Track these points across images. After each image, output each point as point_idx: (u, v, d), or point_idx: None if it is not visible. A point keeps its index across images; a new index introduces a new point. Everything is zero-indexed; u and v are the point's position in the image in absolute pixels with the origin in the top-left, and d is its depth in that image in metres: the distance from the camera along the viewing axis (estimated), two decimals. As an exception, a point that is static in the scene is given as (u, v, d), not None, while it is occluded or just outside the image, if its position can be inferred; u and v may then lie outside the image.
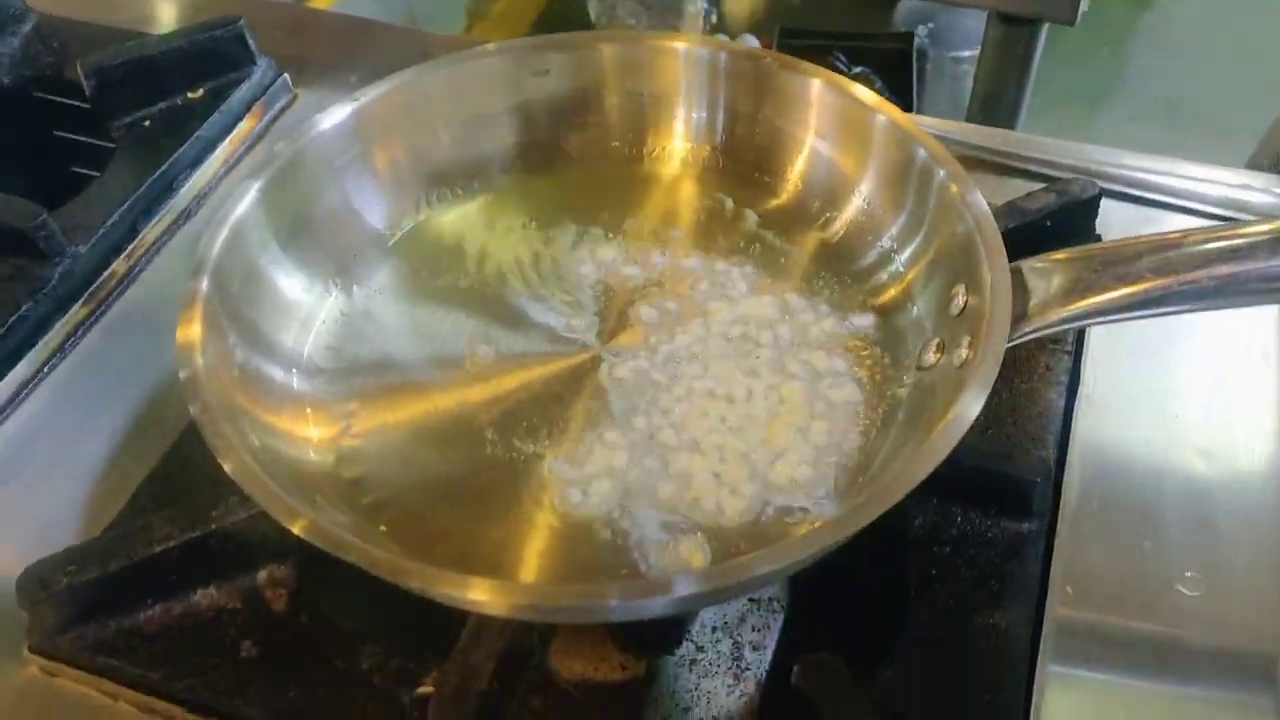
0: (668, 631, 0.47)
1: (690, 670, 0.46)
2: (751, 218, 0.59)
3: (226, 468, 0.41)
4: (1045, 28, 0.87)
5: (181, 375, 0.44)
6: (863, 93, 0.55)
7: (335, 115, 0.54)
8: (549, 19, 2.06)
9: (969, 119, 0.95)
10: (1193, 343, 0.57)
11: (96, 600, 0.48)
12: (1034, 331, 0.45)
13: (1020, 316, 0.45)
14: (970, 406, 0.41)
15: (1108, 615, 0.47)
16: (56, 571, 0.47)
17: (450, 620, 0.43)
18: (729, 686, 0.46)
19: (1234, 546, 0.49)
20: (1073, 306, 0.45)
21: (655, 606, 0.42)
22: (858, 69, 1.54)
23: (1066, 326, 0.46)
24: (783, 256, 0.57)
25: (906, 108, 1.52)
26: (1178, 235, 0.45)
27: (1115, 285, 0.44)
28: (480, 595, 0.38)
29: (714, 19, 1.83)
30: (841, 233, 0.57)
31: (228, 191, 0.59)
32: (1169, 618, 0.47)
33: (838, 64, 1.54)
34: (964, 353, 0.46)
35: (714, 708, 0.45)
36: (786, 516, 0.47)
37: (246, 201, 0.50)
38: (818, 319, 0.54)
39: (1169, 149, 0.66)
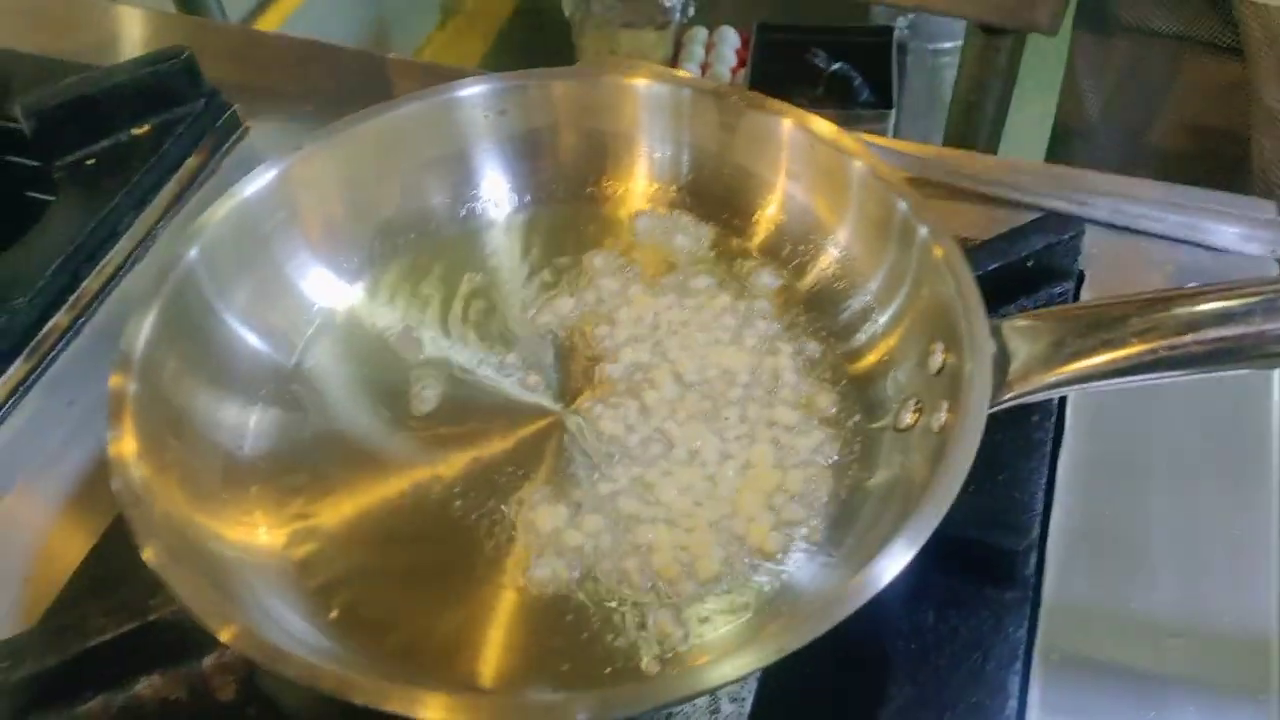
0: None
1: None
2: (721, 264, 0.56)
3: (152, 567, 0.39)
4: (1027, 37, 0.85)
5: (112, 471, 0.42)
6: (837, 135, 0.52)
7: (258, 181, 0.51)
8: (524, 13, 2.03)
9: (948, 129, 0.92)
10: (1182, 392, 0.54)
11: (33, 697, 0.45)
12: (1016, 398, 0.43)
13: (1000, 383, 0.43)
14: (949, 486, 0.39)
15: (1097, 683, 0.46)
16: (-12, 668, 0.45)
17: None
18: None
19: (1222, 600, 0.48)
20: (1056, 373, 0.43)
21: (622, 714, 0.40)
22: (836, 64, 1.53)
23: (1050, 393, 0.43)
24: (755, 307, 0.54)
25: (886, 104, 1.50)
26: (1166, 295, 0.43)
27: (1100, 350, 0.42)
28: (433, 715, 0.36)
29: (691, 10, 1.81)
30: (817, 284, 0.54)
31: (163, 248, 0.56)
32: (1157, 678, 0.46)
33: (816, 60, 1.53)
34: (943, 416, 0.44)
35: (691, 762, 0.43)
36: (765, 581, 0.45)
37: (170, 282, 0.47)
38: (791, 377, 0.52)
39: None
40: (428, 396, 0.52)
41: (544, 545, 0.46)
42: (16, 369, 0.58)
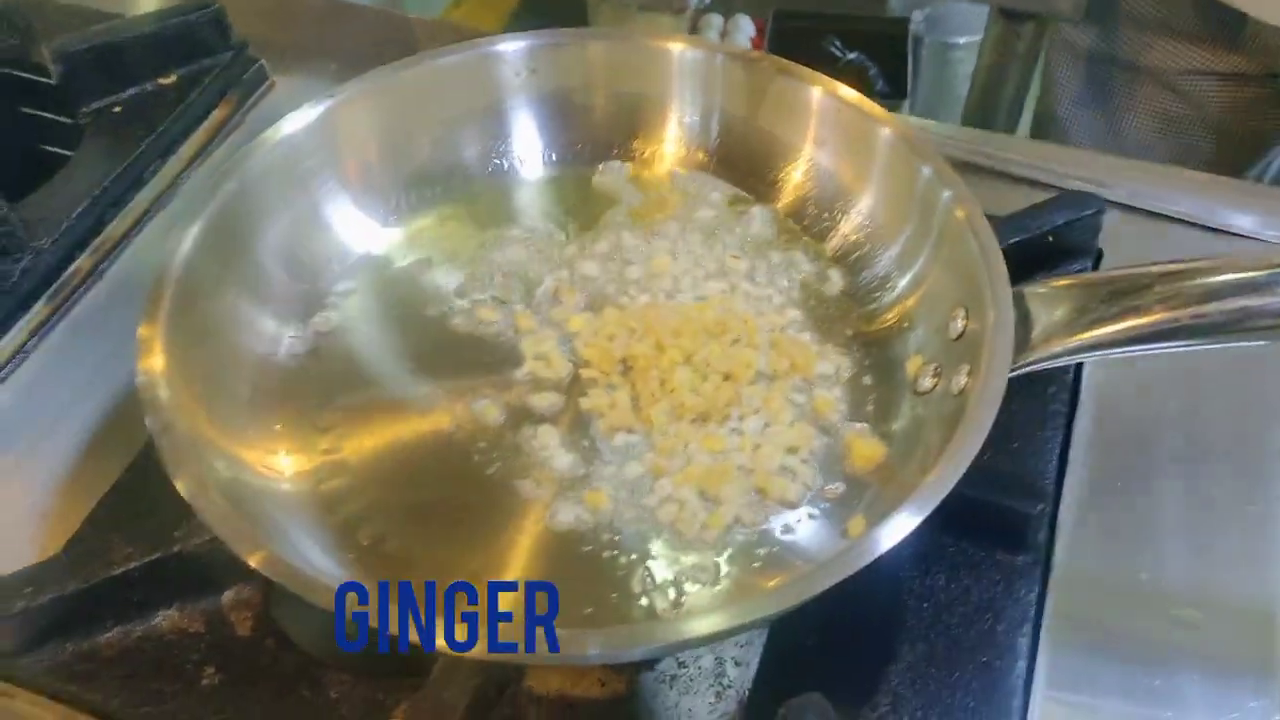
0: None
1: (671, 687, 0.45)
2: (746, 229, 0.57)
3: (183, 493, 0.40)
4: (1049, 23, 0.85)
5: (143, 400, 0.42)
6: (865, 103, 0.52)
7: (302, 119, 0.52)
8: (540, -7, 2.03)
9: (965, 115, 0.93)
10: (1197, 368, 0.55)
11: (53, 623, 0.46)
12: (1036, 363, 0.44)
13: (1022, 346, 0.44)
14: (968, 448, 0.40)
15: (1104, 650, 0.46)
16: (12, 593, 0.45)
17: (423, 648, 0.42)
18: (710, 705, 0.44)
19: (1230, 576, 0.48)
20: (1078, 338, 0.43)
21: (637, 654, 0.40)
22: (852, 54, 1.53)
23: (1070, 359, 0.44)
24: (777, 271, 0.55)
25: (900, 94, 1.51)
26: (1189, 265, 0.43)
27: (1122, 317, 0.43)
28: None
29: (708, -2, 1.81)
30: (841, 248, 0.55)
31: (192, 192, 0.57)
32: (1164, 650, 0.46)
33: (832, 49, 1.53)
34: (962, 380, 0.45)
35: (695, 725, 0.44)
36: (780, 535, 0.46)
37: (207, 215, 0.48)
38: (813, 338, 0.52)
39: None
40: (454, 343, 0.53)
41: (565, 492, 0.47)
42: (39, 310, 0.58)
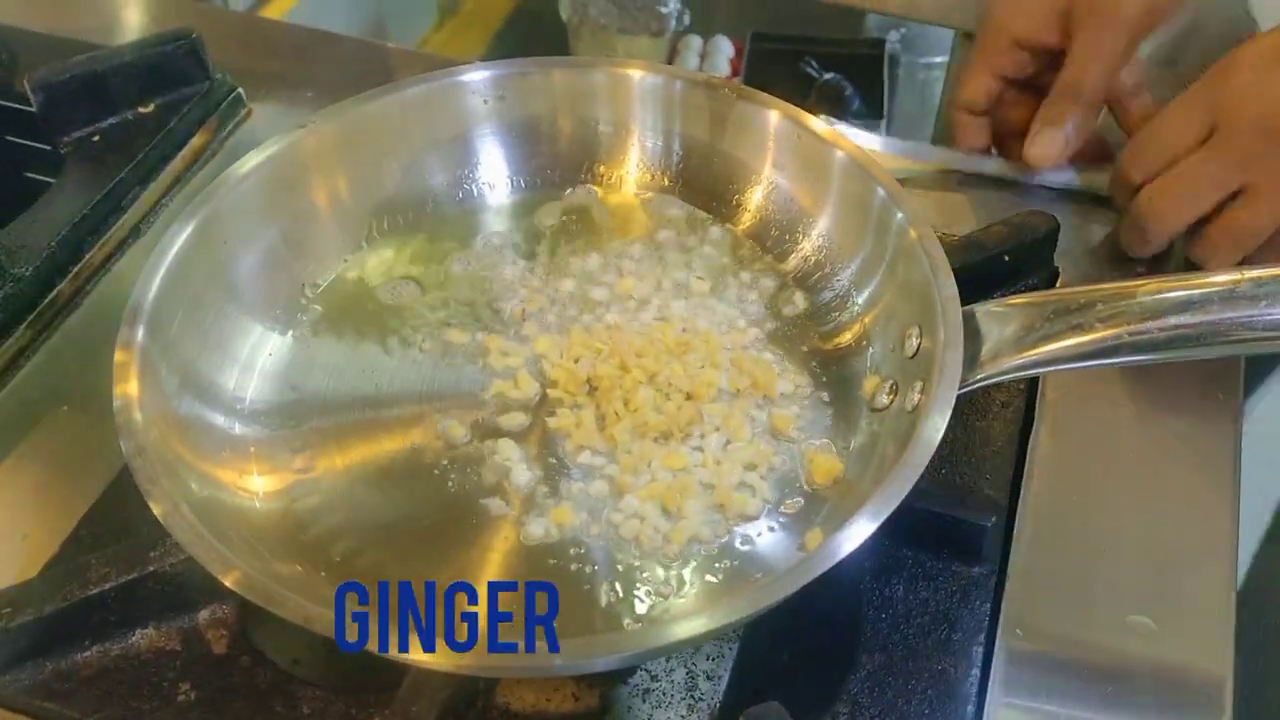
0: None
1: (644, 700, 0.46)
2: (708, 250, 0.58)
3: (157, 514, 0.41)
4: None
5: (118, 421, 0.43)
6: (821, 127, 0.54)
7: (269, 151, 0.53)
8: (521, 16, 2.04)
9: (935, 133, 0.95)
10: (1150, 380, 0.56)
11: (32, 643, 0.46)
12: (986, 379, 0.45)
13: (972, 363, 0.45)
14: (916, 462, 0.41)
15: (1058, 657, 0.47)
16: (-9, 614, 0.46)
17: (394, 662, 0.43)
18: (682, 717, 0.45)
19: (1183, 584, 0.49)
20: (1025, 354, 0.45)
21: (601, 664, 0.42)
22: (829, 75, 1.54)
23: (1019, 374, 0.46)
24: (738, 291, 0.56)
25: (877, 114, 1.52)
26: (1132, 283, 0.45)
27: (1066, 334, 0.44)
28: (422, 656, 0.38)
29: (686, 19, 1.83)
30: (800, 269, 0.56)
31: (169, 220, 0.58)
32: (1119, 658, 0.47)
33: (809, 69, 1.54)
34: (916, 397, 0.47)
35: (668, 738, 0.45)
36: (740, 547, 0.47)
37: (181, 242, 0.49)
38: (774, 356, 0.53)
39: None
40: (424, 365, 0.54)
41: (532, 508, 0.48)
42: (20, 335, 0.59)
